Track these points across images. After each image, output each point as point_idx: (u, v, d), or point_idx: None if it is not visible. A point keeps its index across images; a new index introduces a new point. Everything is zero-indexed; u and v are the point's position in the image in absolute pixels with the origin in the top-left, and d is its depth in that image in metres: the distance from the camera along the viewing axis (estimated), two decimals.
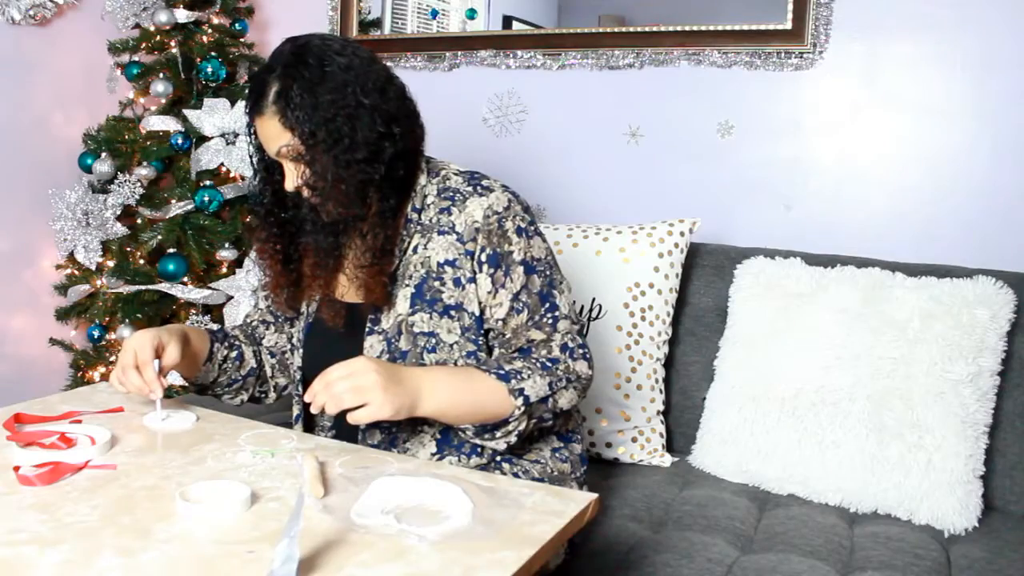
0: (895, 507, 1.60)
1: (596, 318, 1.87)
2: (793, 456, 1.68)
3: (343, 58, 1.24)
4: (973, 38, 1.92)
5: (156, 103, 2.44)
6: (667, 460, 1.86)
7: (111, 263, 2.41)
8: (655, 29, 2.20)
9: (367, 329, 1.33)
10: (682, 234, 1.90)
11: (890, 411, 1.62)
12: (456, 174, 1.36)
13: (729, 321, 1.86)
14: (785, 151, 2.13)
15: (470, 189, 1.33)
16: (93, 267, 2.42)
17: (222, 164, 2.39)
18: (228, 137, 2.38)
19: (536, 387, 1.23)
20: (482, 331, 1.33)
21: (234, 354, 1.44)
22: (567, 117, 2.34)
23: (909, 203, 2.02)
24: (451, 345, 1.31)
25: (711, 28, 2.13)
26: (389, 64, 1.33)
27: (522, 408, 1.22)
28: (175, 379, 1.89)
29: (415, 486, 1.03)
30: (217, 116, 2.36)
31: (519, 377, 1.22)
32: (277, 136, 1.24)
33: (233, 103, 2.38)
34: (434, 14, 2.52)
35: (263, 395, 1.52)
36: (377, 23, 2.57)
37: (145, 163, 2.39)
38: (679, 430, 1.94)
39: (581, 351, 1.31)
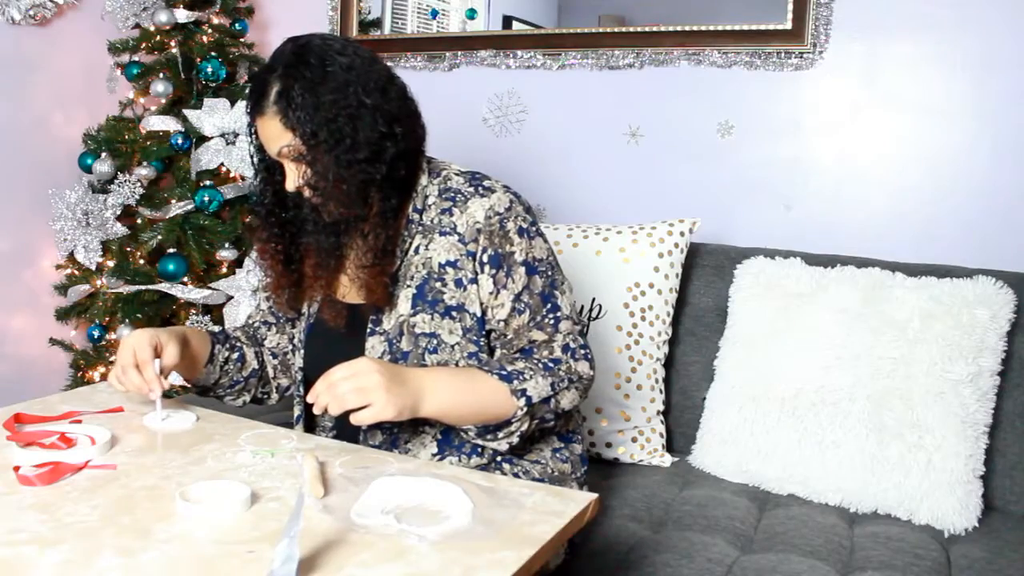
0: (895, 507, 1.60)
1: (596, 318, 1.87)
2: (793, 456, 1.68)
3: (345, 58, 1.24)
4: (973, 38, 1.92)
5: (156, 103, 2.44)
6: (667, 460, 1.86)
7: (111, 263, 2.41)
8: (655, 29, 2.20)
9: (368, 330, 1.33)
10: (682, 234, 1.91)
11: (890, 411, 1.62)
12: (457, 174, 1.36)
13: (729, 321, 1.86)
14: (785, 151, 2.13)
15: (472, 190, 1.33)
16: (93, 267, 2.42)
17: (222, 164, 2.39)
18: (228, 137, 2.38)
19: (538, 388, 1.23)
20: (483, 332, 1.33)
21: (236, 355, 1.44)
22: (567, 117, 2.34)
23: (909, 203, 2.02)
24: (452, 346, 1.31)
25: (711, 28, 2.13)
26: (389, 64, 1.32)
27: (524, 409, 1.22)
28: (176, 380, 1.89)
29: (415, 486, 1.03)
30: (217, 116, 2.36)
31: (521, 378, 1.22)
32: (278, 136, 1.24)
33: (233, 103, 2.38)
34: (434, 14, 2.52)
35: (265, 396, 1.52)
36: (377, 23, 2.57)
37: (145, 163, 2.39)
38: (679, 430, 1.94)
39: (583, 352, 1.31)
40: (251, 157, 1.35)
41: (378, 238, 1.28)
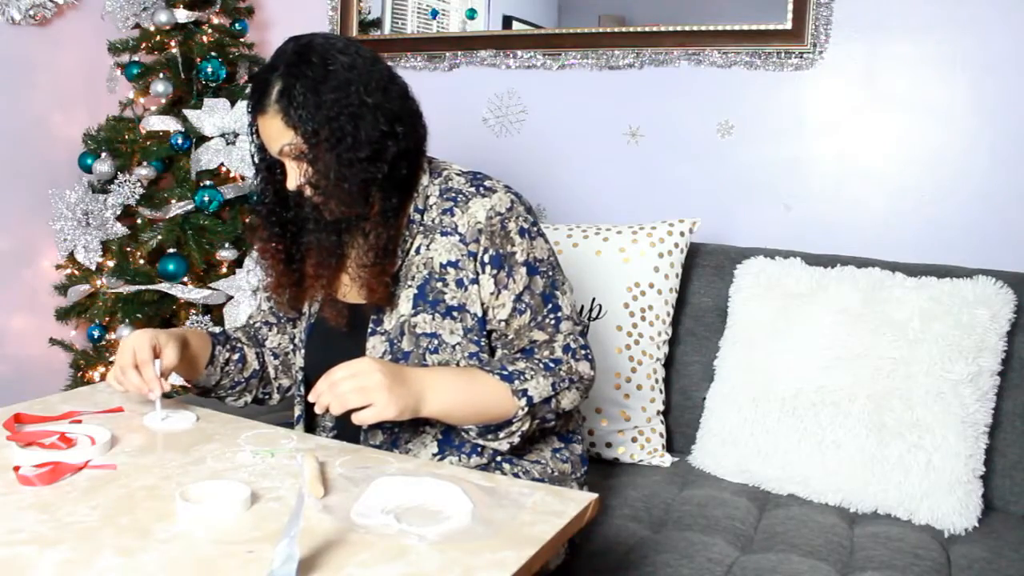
0: (895, 507, 1.60)
1: (596, 318, 1.87)
2: (793, 456, 1.68)
3: (346, 57, 1.24)
4: (973, 38, 1.92)
5: (156, 103, 2.44)
6: (667, 460, 1.86)
7: (111, 263, 2.41)
8: (655, 29, 2.20)
9: (369, 330, 1.33)
10: (682, 234, 1.91)
11: (890, 411, 1.62)
12: (458, 174, 1.36)
13: (729, 321, 1.86)
14: (785, 151, 2.13)
15: (473, 190, 1.33)
16: (93, 267, 2.42)
17: (222, 164, 2.39)
18: (228, 137, 2.38)
19: (539, 388, 1.23)
20: (484, 332, 1.33)
21: (236, 356, 1.44)
22: (567, 117, 2.34)
23: (909, 203, 2.02)
24: (453, 346, 1.31)
25: (711, 28, 2.13)
26: (389, 64, 1.33)
27: (525, 409, 1.22)
28: (176, 380, 1.89)
29: (415, 486, 1.03)
30: (217, 116, 2.36)
31: (522, 378, 1.22)
32: (279, 135, 1.24)
33: (233, 103, 2.38)
34: (434, 14, 2.52)
35: (266, 396, 1.52)
36: (377, 23, 2.57)
37: (145, 163, 2.39)
38: (679, 430, 1.94)
39: (583, 352, 1.31)
40: (252, 156, 1.35)
41: (379, 237, 1.28)
